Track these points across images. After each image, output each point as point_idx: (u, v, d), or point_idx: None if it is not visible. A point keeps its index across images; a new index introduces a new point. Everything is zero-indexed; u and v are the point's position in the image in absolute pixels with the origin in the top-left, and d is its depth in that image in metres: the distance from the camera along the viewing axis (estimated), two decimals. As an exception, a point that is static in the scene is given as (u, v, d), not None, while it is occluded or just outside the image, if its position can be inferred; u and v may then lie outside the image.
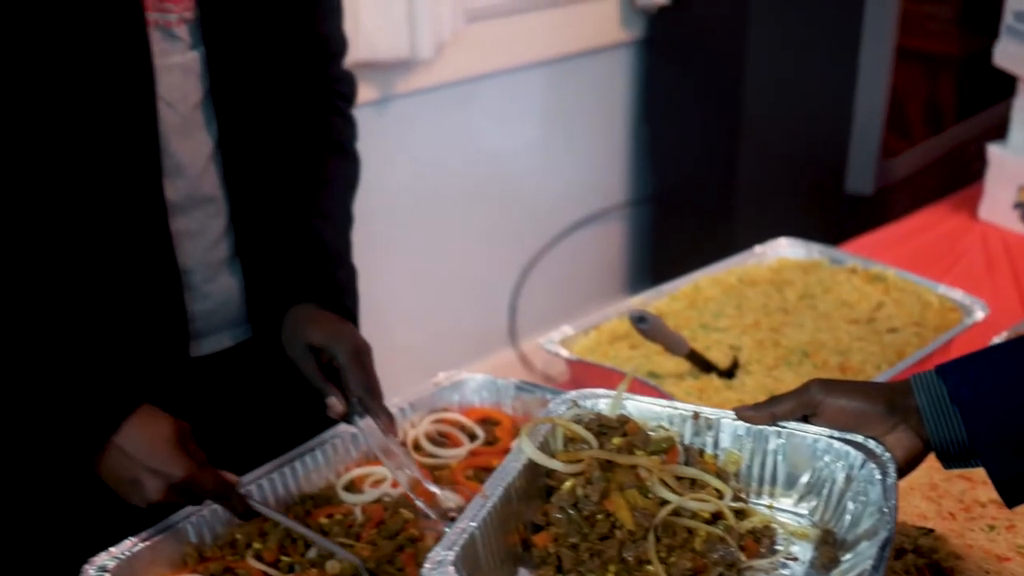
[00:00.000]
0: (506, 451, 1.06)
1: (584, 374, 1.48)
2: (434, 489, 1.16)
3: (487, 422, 1.38)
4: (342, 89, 1.43)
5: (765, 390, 1.43)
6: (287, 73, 1.29)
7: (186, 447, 1.10)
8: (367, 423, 1.17)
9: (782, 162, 2.89)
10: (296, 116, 1.33)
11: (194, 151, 1.20)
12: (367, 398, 1.16)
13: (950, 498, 1.21)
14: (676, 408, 1.05)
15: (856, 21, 2.60)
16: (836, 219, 2.75)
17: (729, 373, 1.47)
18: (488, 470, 1.23)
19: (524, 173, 2.97)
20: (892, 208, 2.68)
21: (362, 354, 1.18)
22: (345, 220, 1.38)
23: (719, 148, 2.97)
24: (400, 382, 1.47)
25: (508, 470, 0.97)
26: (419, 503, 1.14)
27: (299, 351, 1.20)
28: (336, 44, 1.41)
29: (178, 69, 1.16)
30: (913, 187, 2.87)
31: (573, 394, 1.08)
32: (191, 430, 1.12)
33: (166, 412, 1.11)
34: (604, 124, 3.16)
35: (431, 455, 1.31)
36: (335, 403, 1.17)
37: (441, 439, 1.35)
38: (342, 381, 1.18)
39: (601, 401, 1.07)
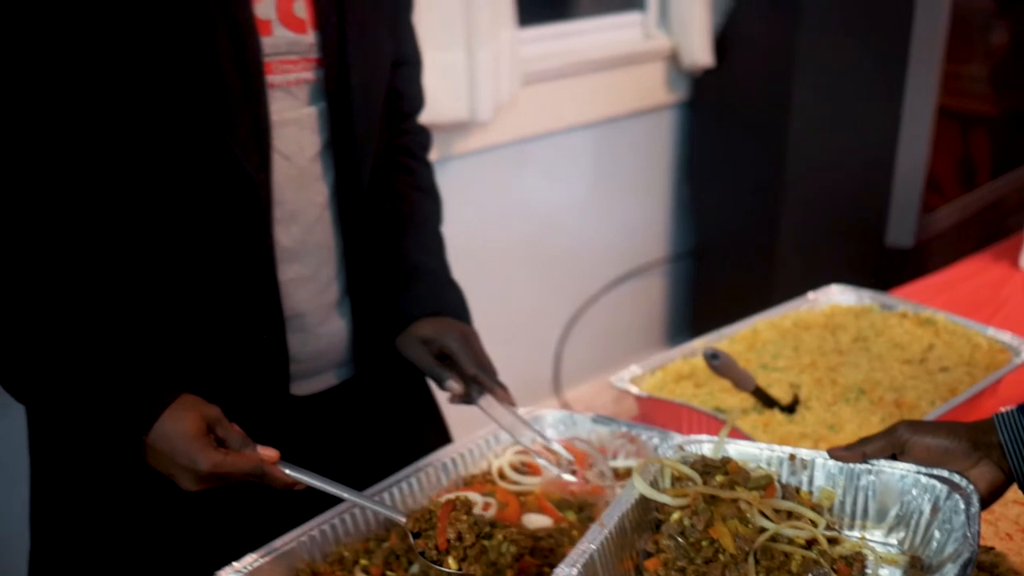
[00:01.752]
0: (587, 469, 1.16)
1: (653, 410, 1.57)
2: (557, 448, 1.28)
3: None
4: (423, 141, 1.56)
5: (825, 424, 1.51)
6: (386, 126, 1.40)
7: (214, 436, 1.16)
8: (486, 400, 1.28)
9: (823, 216, 2.98)
10: (390, 164, 1.45)
11: (309, 200, 1.30)
12: (482, 375, 1.27)
13: (1007, 520, 1.29)
14: (773, 450, 1.15)
15: (899, 80, 2.70)
16: (876, 272, 2.83)
17: (791, 408, 1.56)
18: (568, 497, 1.34)
19: (571, 228, 3.08)
20: (930, 261, 2.77)
21: (471, 338, 1.30)
22: (443, 252, 1.49)
23: (761, 204, 3.07)
24: (450, 426, 1.60)
25: (622, 503, 1.07)
26: (542, 462, 1.26)
27: (413, 346, 1.31)
28: (420, 101, 1.54)
29: (295, 124, 1.26)
30: (950, 240, 2.95)
31: (680, 439, 1.19)
32: (221, 413, 1.17)
33: (198, 402, 1.17)
34: (648, 181, 3.27)
35: (515, 482, 1.40)
36: (453, 385, 1.27)
37: (524, 469, 1.44)
38: (456, 365, 1.29)
39: (705, 445, 1.17)
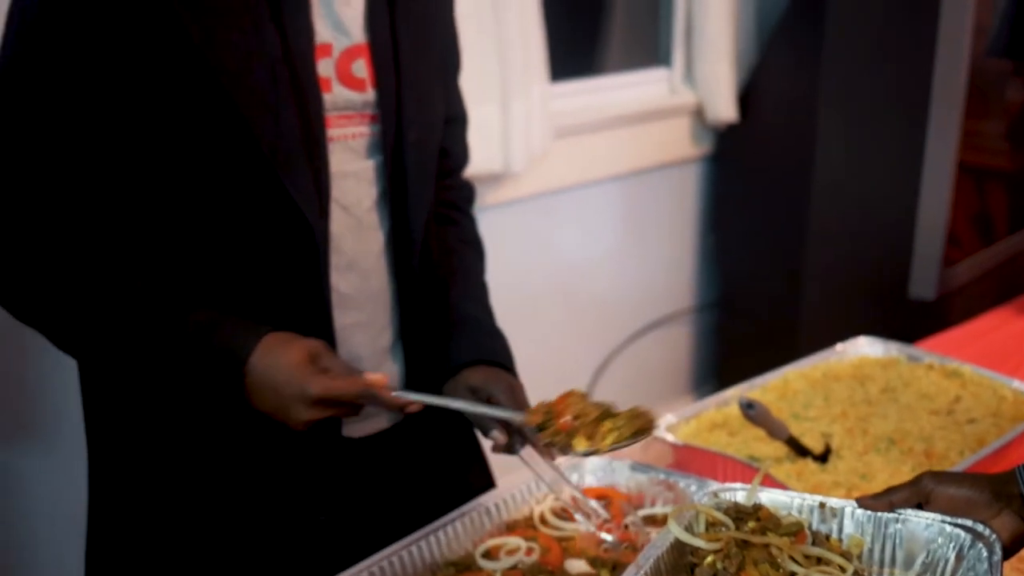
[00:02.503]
0: (622, 526, 1.21)
1: (689, 458, 1.62)
2: (593, 504, 1.33)
3: (604, 500, 1.52)
4: (467, 195, 1.63)
5: (857, 474, 1.55)
6: (437, 180, 1.47)
7: (319, 364, 1.21)
8: (527, 452, 1.31)
9: (846, 269, 3.03)
10: (438, 217, 1.52)
11: (366, 249, 1.36)
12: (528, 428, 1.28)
13: (1034, 569, 1.34)
14: (804, 499, 1.19)
15: (919, 136, 2.75)
16: (898, 324, 2.87)
17: (823, 458, 1.61)
18: (602, 556, 1.38)
19: (600, 277, 3.14)
20: (952, 313, 2.81)
21: (516, 390, 1.34)
22: (488, 301, 1.56)
23: (785, 256, 3.13)
24: (493, 467, 1.63)
25: (658, 545, 1.11)
26: (578, 516, 1.31)
27: (460, 393, 1.35)
28: (465, 157, 1.61)
29: (353, 177, 1.33)
30: (971, 293, 3.00)
31: (715, 486, 1.23)
32: (325, 346, 1.23)
33: (297, 336, 1.23)
34: (675, 232, 3.33)
35: (557, 528, 1.45)
36: (497, 435, 1.30)
37: (564, 514, 1.48)
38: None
39: (738, 492, 1.21)
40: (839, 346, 1.99)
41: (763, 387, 1.84)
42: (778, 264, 3.18)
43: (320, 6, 1.27)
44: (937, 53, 2.69)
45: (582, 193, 2.99)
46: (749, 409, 1.52)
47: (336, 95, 1.29)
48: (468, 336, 1.45)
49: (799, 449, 1.60)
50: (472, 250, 1.60)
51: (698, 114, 3.20)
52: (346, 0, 1.30)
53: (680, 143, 3.22)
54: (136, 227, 1.25)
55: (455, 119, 1.56)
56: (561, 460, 1.45)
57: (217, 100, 1.18)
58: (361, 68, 1.31)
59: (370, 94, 1.32)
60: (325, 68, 1.27)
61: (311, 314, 1.30)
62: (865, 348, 2.00)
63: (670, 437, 1.65)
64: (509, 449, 1.32)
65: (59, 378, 2.11)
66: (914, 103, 2.76)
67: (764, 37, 3.22)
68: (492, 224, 2.74)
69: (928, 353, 1.95)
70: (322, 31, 1.27)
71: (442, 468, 1.52)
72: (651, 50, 3.28)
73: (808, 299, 3.11)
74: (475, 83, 2.46)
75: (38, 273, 1.22)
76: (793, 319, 3.14)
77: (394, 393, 1.22)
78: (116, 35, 1.15)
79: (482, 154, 2.52)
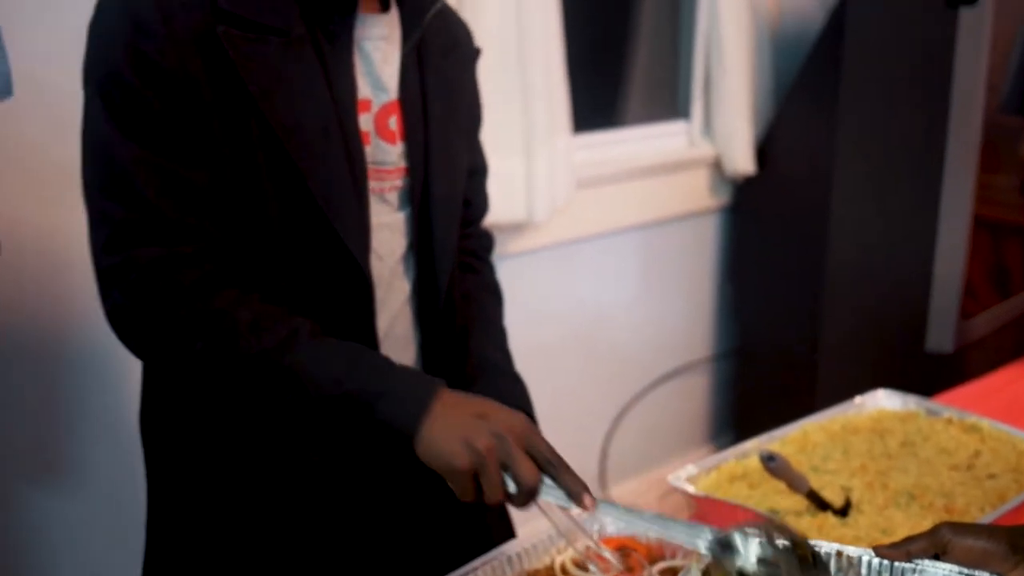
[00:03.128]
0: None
1: (709, 509, 1.64)
2: (608, 555, 1.33)
3: (624, 550, 1.54)
4: (487, 244, 1.69)
5: (878, 528, 1.57)
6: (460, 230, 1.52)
7: None
8: (543, 502, 1.29)
9: (863, 320, 3.05)
10: (459, 265, 1.56)
11: (395, 297, 1.41)
12: (553, 469, 1.25)
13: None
14: (820, 547, 1.20)
15: (935, 190, 2.78)
16: (916, 376, 2.88)
17: (843, 512, 1.62)
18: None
19: (619, 326, 3.16)
20: (969, 366, 2.83)
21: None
22: (507, 347, 1.59)
23: (802, 307, 3.15)
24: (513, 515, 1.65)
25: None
26: (592, 567, 1.32)
27: None
28: (485, 208, 1.68)
29: (387, 228, 1.38)
30: (988, 346, 3.01)
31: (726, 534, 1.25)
32: None
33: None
34: (693, 282, 3.36)
35: (576, 579, 1.47)
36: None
37: (585, 565, 1.50)
38: None
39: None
40: (857, 399, 2.01)
41: (782, 439, 1.86)
42: (795, 314, 3.21)
43: (362, 64, 1.33)
44: (951, 109, 2.72)
45: (602, 243, 3.03)
46: (770, 462, 1.54)
47: (375, 148, 1.35)
48: (489, 381, 1.48)
49: (819, 503, 1.62)
50: (491, 297, 1.65)
51: (716, 166, 3.24)
52: (385, 59, 1.36)
53: (699, 194, 3.26)
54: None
55: (477, 171, 1.62)
56: (577, 511, 1.47)
57: (275, 153, 1.25)
58: (395, 123, 1.37)
59: (401, 147, 1.38)
60: (365, 123, 1.34)
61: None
62: (884, 401, 2.02)
63: (690, 488, 1.67)
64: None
65: (85, 420, 2.14)
66: (929, 157, 2.79)
67: (781, 91, 3.27)
68: (514, 272, 2.78)
69: (947, 407, 1.96)
70: (363, 88, 1.33)
71: (463, 515, 1.54)
72: (671, 103, 3.33)
73: (826, 349, 3.13)
74: (501, 135, 2.52)
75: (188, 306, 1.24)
76: (811, 369, 3.15)
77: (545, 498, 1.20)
78: (192, 95, 1.22)
79: (506, 204, 2.56)
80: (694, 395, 3.49)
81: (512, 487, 1.16)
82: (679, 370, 3.37)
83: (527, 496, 1.16)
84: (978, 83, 2.69)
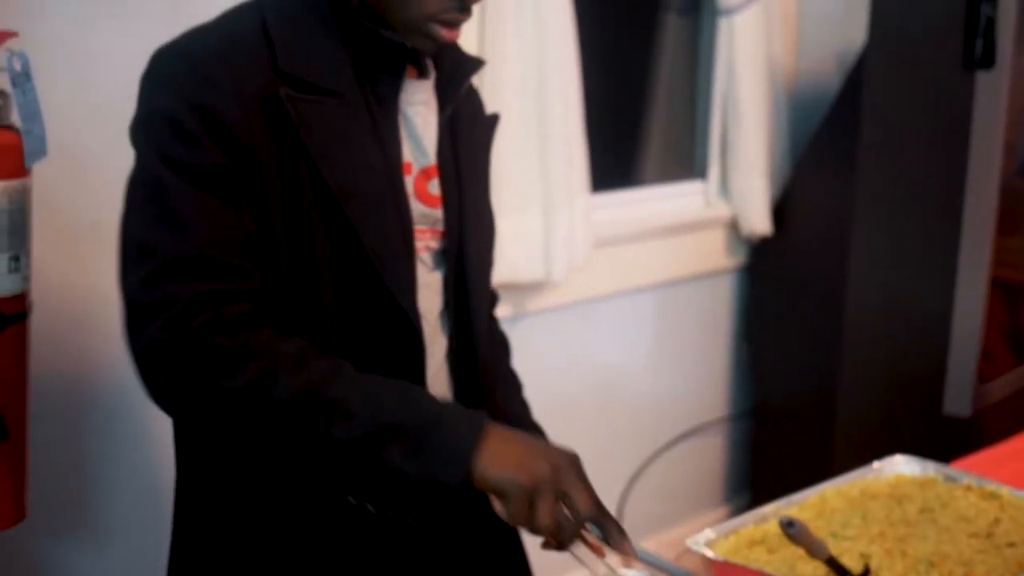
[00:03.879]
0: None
1: (728, 575, 1.63)
2: None
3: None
4: (494, 299, 1.71)
5: (896, 595, 1.56)
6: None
7: None
8: (579, 548, 1.27)
9: (880, 382, 3.04)
10: None
11: (435, 355, 1.42)
12: (598, 511, 1.24)
13: None
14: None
15: (952, 252, 2.79)
16: (933, 439, 2.87)
17: (862, 578, 1.61)
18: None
19: (635, 386, 3.16)
20: (987, 429, 2.81)
21: None
22: (524, 396, 1.64)
23: (819, 369, 3.15)
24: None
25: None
26: None
27: None
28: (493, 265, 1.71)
29: (428, 288, 1.40)
30: (1006, 410, 3.00)
31: None
32: None
33: None
34: (708, 342, 3.36)
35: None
36: None
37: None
38: None
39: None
40: (876, 464, 2.00)
41: (801, 504, 1.85)
42: (812, 376, 3.20)
43: (405, 128, 1.37)
44: (968, 171, 2.74)
45: (619, 302, 3.04)
46: (789, 528, 1.54)
47: (414, 210, 1.38)
48: None
49: (839, 570, 1.61)
50: (503, 350, 1.68)
51: (733, 226, 3.26)
52: (426, 123, 1.40)
53: (715, 254, 3.27)
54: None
55: None
56: (615, 559, 1.47)
57: (330, 212, 1.27)
58: (435, 187, 1.41)
59: (439, 211, 1.41)
60: (408, 185, 1.37)
61: None
62: (902, 467, 2.01)
63: (709, 553, 1.66)
64: (560, 545, 1.33)
65: (112, 479, 2.15)
66: (946, 219, 2.80)
67: (798, 152, 3.29)
68: (531, 331, 2.79)
69: (966, 473, 1.95)
70: (405, 151, 1.37)
71: (487, 567, 1.55)
72: (688, 163, 3.36)
73: (842, 410, 3.12)
74: (520, 194, 2.54)
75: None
76: (827, 431, 3.14)
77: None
78: (251, 151, 1.24)
79: (525, 263, 2.58)
80: (709, 455, 3.48)
81: (565, 515, 1.16)
82: (695, 430, 3.36)
83: (577, 527, 1.16)
84: (995, 145, 2.70)
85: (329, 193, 1.27)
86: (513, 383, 1.66)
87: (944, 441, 2.81)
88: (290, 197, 1.26)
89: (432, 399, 1.25)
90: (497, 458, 1.16)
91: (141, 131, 1.28)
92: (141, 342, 1.20)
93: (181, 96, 1.24)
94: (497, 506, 1.16)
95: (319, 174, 1.26)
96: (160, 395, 1.23)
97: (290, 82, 1.27)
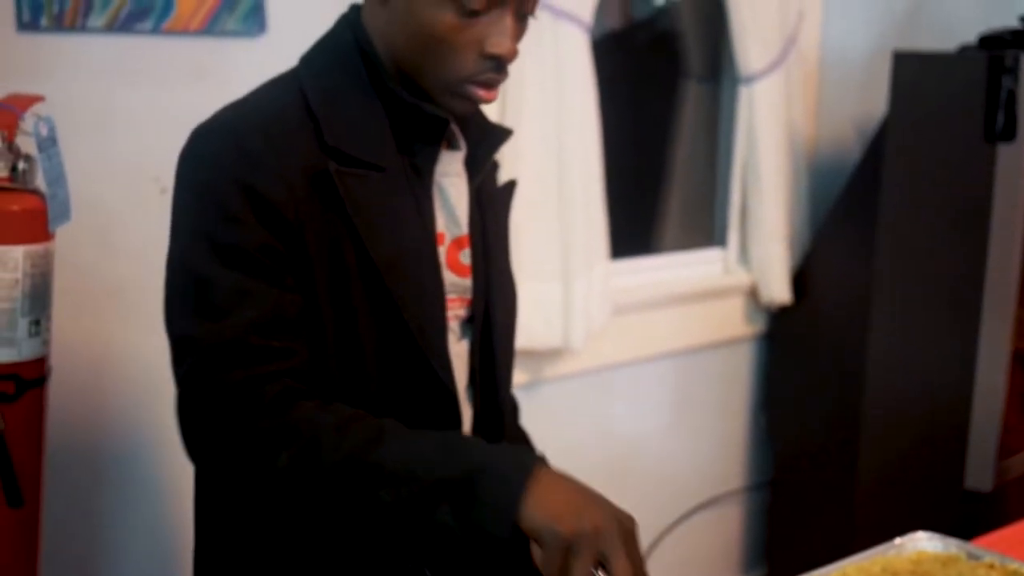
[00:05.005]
0: None
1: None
2: None
3: None
4: None
5: None
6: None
7: None
8: None
9: (900, 455, 3.00)
10: None
11: (462, 425, 1.42)
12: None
13: None
14: None
15: (973, 325, 2.76)
16: (954, 513, 2.84)
17: (886, 660, 1.58)
18: None
19: (652, 455, 3.13)
20: (1010, 504, 2.78)
21: None
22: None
23: (838, 439, 3.11)
24: None
25: None
26: None
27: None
28: None
29: (457, 356, 1.40)
30: (1027, 485, 2.97)
31: None
32: None
33: None
34: (726, 411, 3.34)
35: None
36: None
37: None
38: None
39: None
40: (898, 540, 1.97)
41: (823, 581, 1.82)
42: (831, 446, 3.17)
43: (440, 198, 1.39)
44: (990, 242, 2.73)
45: (637, 369, 3.02)
46: (812, 608, 1.51)
47: (447, 280, 1.39)
48: None
49: (862, 650, 1.58)
50: (513, 412, 1.68)
51: (752, 294, 3.24)
52: (459, 194, 1.41)
53: (734, 322, 3.26)
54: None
55: None
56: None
57: (372, 283, 1.28)
58: (466, 256, 1.42)
59: (468, 280, 1.42)
60: (440, 255, 1.38)
61: None
62: (924, 543, 1.97)
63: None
64: None
65: (127, 538, 2.14)
66: (967, 291, 2.78)
67: (818, 220, 3.28)
68: (548, 398, 2.78)
69: (989, 551, 1.92)
70: (439, 221, 1.39)
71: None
72: (707, 231, 3.35)
73: (862, 483, 3.09)
74: (539, 260, 2.54)
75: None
76: (846, 503, 3.10)
77: None
78: (297, 228, 1.25)
79: (543, 330, 2.57)
80: (726, 527, 3.43)
81: None
82: (711, 501, 3.32)
83: None
84: (1017, 217, 2.70)
85: (373, 266, 1.28)
86: (523, 441, 1.67)
87: (965, 515, 2.79)
88: (336, 271, 1.27)
89: (476, 445, 1.23)
90: (543, 503, 1.11)
91: (182, 211, 1.29)
92: (189, 430, 1.23)
93: (225, 176, 1.24)
94: (536, 552, 1.11)
95: (364, 247, 1.27)
96: (217, 480, 1.28)
97: (336, 156, 1.28)
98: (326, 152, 1.28)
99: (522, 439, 1.67)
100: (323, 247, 1.26)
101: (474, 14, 1.26)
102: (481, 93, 1.31)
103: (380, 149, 1.31)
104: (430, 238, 1.35)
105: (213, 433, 1.21)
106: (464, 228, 1.42)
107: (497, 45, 1.28)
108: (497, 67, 1.30)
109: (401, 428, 1.22)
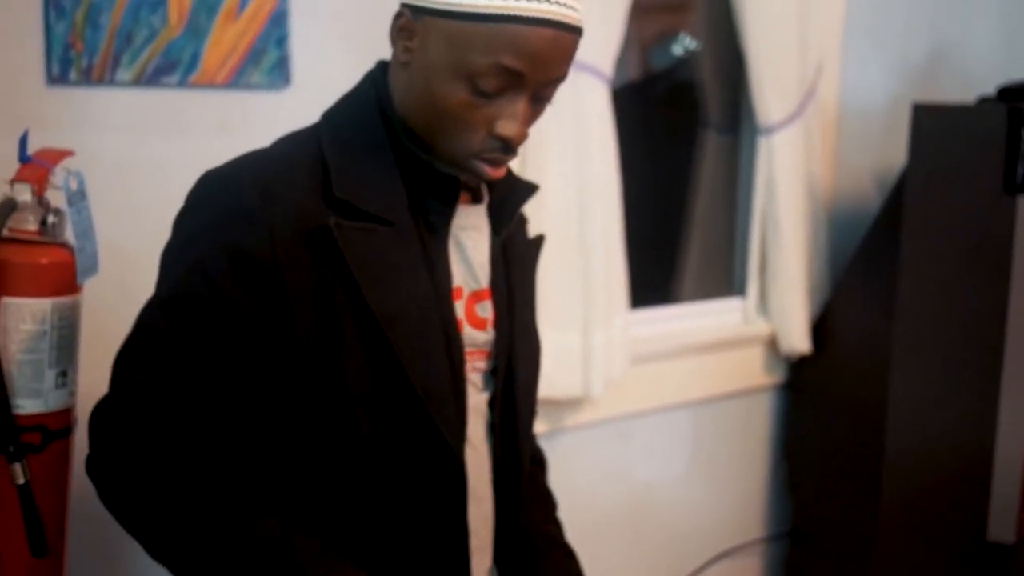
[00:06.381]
0: None
1: None
2: None
3: None
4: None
5: None
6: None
7: None
8: None
9: (922, 506, 2.98)
10: None
11: (484, 479, 1.43)
12: None
13: None
14: None
15: (995, 374, 2.75)
16: (976, 565, 2.81)
17: None
18: None
19: (669, 505, 3.12)
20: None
21: None
22: (558, 517, 1.65)
23: (859, 490, 3.09)
24: None
25: None
26: None
27: None
28: None
29: (475, 411, 1.41)
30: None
31: None
32: None
33: None
34: (745, 461, 3.32)
35: None
36: None
37: None
38: None
39: None
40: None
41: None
42: (851, 497, 3.15)
43: (456, 252, 1.39)
44: (1011, 293, 2.72)
45: (656, 419, 3.01)
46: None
47: (465, 334, 1.39)
48: (545, 555, 1.53)
49: None
50: (540, 469, 1.70)
51: (771, 344, 3.24)
52: (477, 247, 1.42)
53: (753, 372, 3.25)
54: (284, 456, 1.33)
55: None
56: None
57: (374, 342, 1.28)
58: (485, 309, 1.42)
59: (490, 333, 1.42)
60: (457, 310, 1.38)
61: (450, 543, 1.37)
62: (948, 599, 1.97)
63: None
64: None
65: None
66: (989, 341, 2.77)
67: (837, 270, 3.28)
68: (567, 447, 2.77)
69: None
70: (456, 275, 1.38)
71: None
72: (726, 280, 3.36)
73: (883, 534, 3.06)
74: (559, 310, 2.55)
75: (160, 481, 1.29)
76: (867, 554, 3.08)
77: None
78: (283, 287, 1.27)
79: (563, 379, 2.57)
80: (745, 578, 3.42)
81: None
82: (730, 552, 3.30)
83: None
84: (1037, 267, 2.70)
85: (373, 320, 1.27)
86: (548, 502, 1.66)
87: (987, 568, 2.76)
88: (325, 325, 1.27)
89: None
90: None
91: (167, 253, 1.34)
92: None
93: (212, 231, 1.28)
94: None
95: (363, 302, 1.27)
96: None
97: (342, 209, 1.29)
98: (331, 205, 1.29)
99: (543, 498, 1.66)
100: (306, 293, 1.26)
101: (488, 95, 1.27)
102: (487, 170, 1.32)
103: (391, 204, 1.32)
104: (444, 294, 1.35)
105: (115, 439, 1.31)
106: (483, 282, 1.42)
107: (506, 128, 1.28)
108: (504, 148, 1.30)
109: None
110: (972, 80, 3.38)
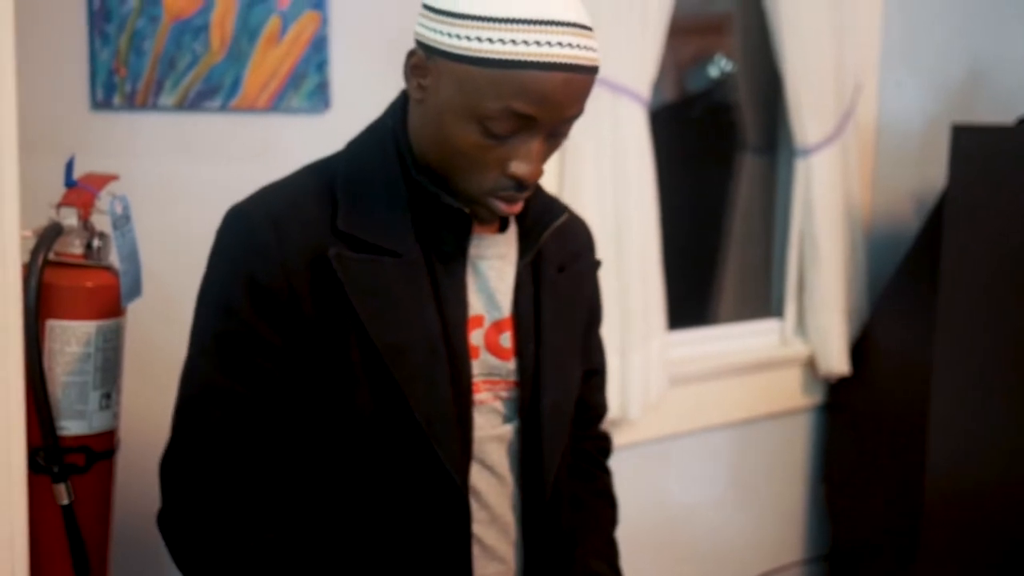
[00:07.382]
0: None
1: None
2: None
3: None
4: (604, 447, 1.69)
5: None
6: (573, 431, 1.52)
7: None
8: None
9: (963, 528, 2.95)
10: (572, 469, 1.56)
11: (507, 505, 1.42)
12: None
13: None
14: None
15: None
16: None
17: None
18: None
19: (706, 527, 3.10)
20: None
21: None
22: (617, 559, 1.60)
23: (900, 512, 3.06)
24: None
25: None
26: None
27: None
28: (604, 408, 1.67)
29: (496, 440, 1.40)
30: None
31: None
32: None
33: None
34: (783, 483, 3.30)
35: None
36: None
37: None
38: None
39: None
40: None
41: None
42: (891, 519, 3.12)
43: (476, 282, 1.38)
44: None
45: (694, 440, 3.01)
46: None
47: (483, 362, 1.38)
48: None
49: None
50: (605, 504, 1.66)
51: (810, 365, 3.22)
52: (500, 276, 1.40)
53: (791, 393, 3.23)
54: (291, 481, 1.33)
55: (597, 371, 1.66)
56: None
57: (377, 373, 1.29)
58: (507, 339, 1.40)
59: (513, 363, 1.40)
60: (476, 338, 1.37)
61: (455, 566, 1.36)
62: (992, 626, 1.94)
63: None
64: None
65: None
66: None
67: (876, 291, 3.26)
68: (605, 469, 2.77)
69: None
70: (475, 304, 1.37)
71: None
72: (764, 302, 3.35)
73: (923, 557, 3.03)
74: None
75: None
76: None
77: None
78: (297, 316, 1.29)
79: (600, 402, 2.57)
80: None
81: None
82: (768, 574, 3.28)
83: None
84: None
85: (376, 352, 1.28)
86: (602, 542, 1.61)
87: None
88: (334, 355, 1.29)
89: None
90: None
91: (201, 294, 1.38)
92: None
93: (232, 268, 1.31)
94: None
95: (366, 335, 1.28)
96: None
97: (347, 241, 1.30)
98: (337, 236, 1.30)
99: (596, 525, 1.62)
100: (319, 322, 1.29)
101: (500, 138, 1.26)
102: (502, 207, 1.31)
103: (398, 235, 1.32)
104: (455, 323, 1.33)
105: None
106: (505, 311, 1.40)
107: (519, 168, 1.28)
108: (518, 187, 1.30)
109: None
110: (1010, 101, 3.36)
